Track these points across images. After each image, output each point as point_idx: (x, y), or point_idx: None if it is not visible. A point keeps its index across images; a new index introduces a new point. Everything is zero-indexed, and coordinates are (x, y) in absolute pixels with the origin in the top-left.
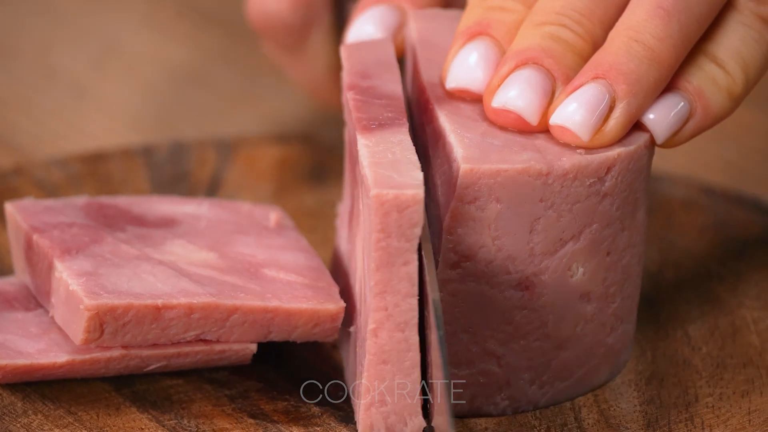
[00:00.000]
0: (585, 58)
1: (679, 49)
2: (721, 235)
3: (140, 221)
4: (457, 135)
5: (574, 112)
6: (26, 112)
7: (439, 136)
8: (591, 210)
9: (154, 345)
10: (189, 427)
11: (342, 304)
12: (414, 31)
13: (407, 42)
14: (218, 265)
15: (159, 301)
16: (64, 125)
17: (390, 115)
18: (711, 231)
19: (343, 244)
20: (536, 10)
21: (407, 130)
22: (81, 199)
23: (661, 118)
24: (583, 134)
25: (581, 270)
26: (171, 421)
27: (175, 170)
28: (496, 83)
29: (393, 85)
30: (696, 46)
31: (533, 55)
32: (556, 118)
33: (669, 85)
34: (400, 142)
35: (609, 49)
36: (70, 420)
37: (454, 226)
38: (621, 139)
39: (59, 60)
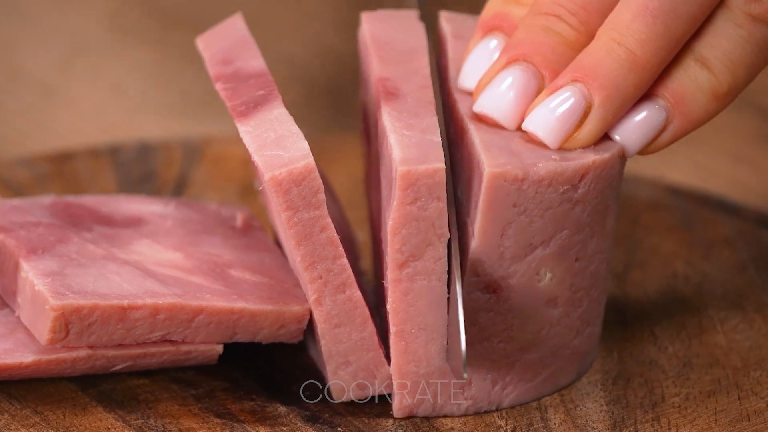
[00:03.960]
0: (579, 51)
1: (664, 52)
2: (687, 235)
3: (107, 221)
4: (397, 134)
5: (544, 119)
6: None
7: (383, 135)
8: (562, 216)
9: (120, 345)
10: (155, 426)
11: (307, 305)
12: (366, 31)
13: (360, 42)
14: (184, 265)
15: (125, 302)
16: (31, 125)
17: (262, 92)
18: (677, 231)
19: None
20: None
21: (281, 102)
22: (47, 198)
23: (630, 132)
24: (551, 143)
25: (549, 275)
26: (137, 421)
27: (142, 170)
28: (484, 83)
29: (255, 61)
30: (684, 44)
31: (524, 51)
32: (528, 124)
33: (648, 90)
34: (278, 117)
35: (591, 50)
36: (36, 420)
37: (398, 227)
38: (594, 144)
39: (25, 60)
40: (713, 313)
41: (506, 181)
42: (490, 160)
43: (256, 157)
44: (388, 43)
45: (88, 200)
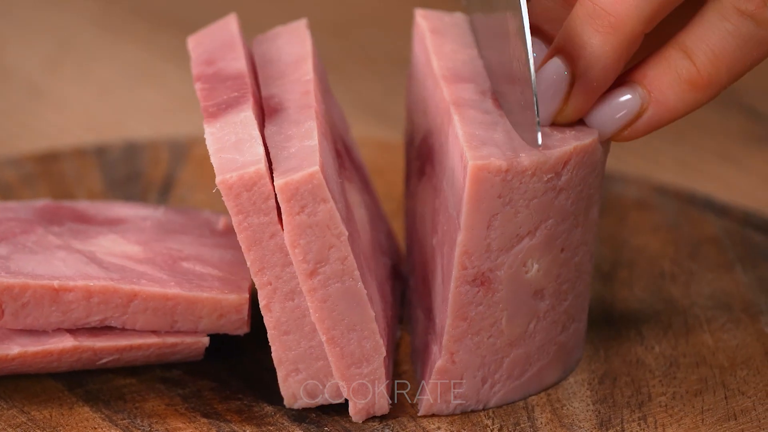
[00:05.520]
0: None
1: (647, 21)
2: (674, 234)
3: (87, 220)
4: (276, 149)
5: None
6: None
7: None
8: (547, 205)
9: (105, 335)
10: (142, 426)
11: (246, 295)
12: (255, 55)
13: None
14: (138, 256)
15: (55, 282)
16: (18, 125)
17: (235, 94)
18: (664, 230)
19: None
20: None
21: (251, 105)
22: (41, 202)
23: (605, 116)
24: (543, 120)
25: (536, 266)
26: (124, 421)
27: (129, 170)
28: None
29: (237, 63)
30: (670, 35)
31: (562, 44)
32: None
33: (626, 77)
34: (243, 121)
35: (574, 15)
36: (23, 420)
37: (295, 238)
38: (575, 131)
39: (12, 59)
40: (700, 313)
41: (490, 173)
42: (472, 152)
43: (213, 159)
44: (274, 60)
45: (83, 205)
